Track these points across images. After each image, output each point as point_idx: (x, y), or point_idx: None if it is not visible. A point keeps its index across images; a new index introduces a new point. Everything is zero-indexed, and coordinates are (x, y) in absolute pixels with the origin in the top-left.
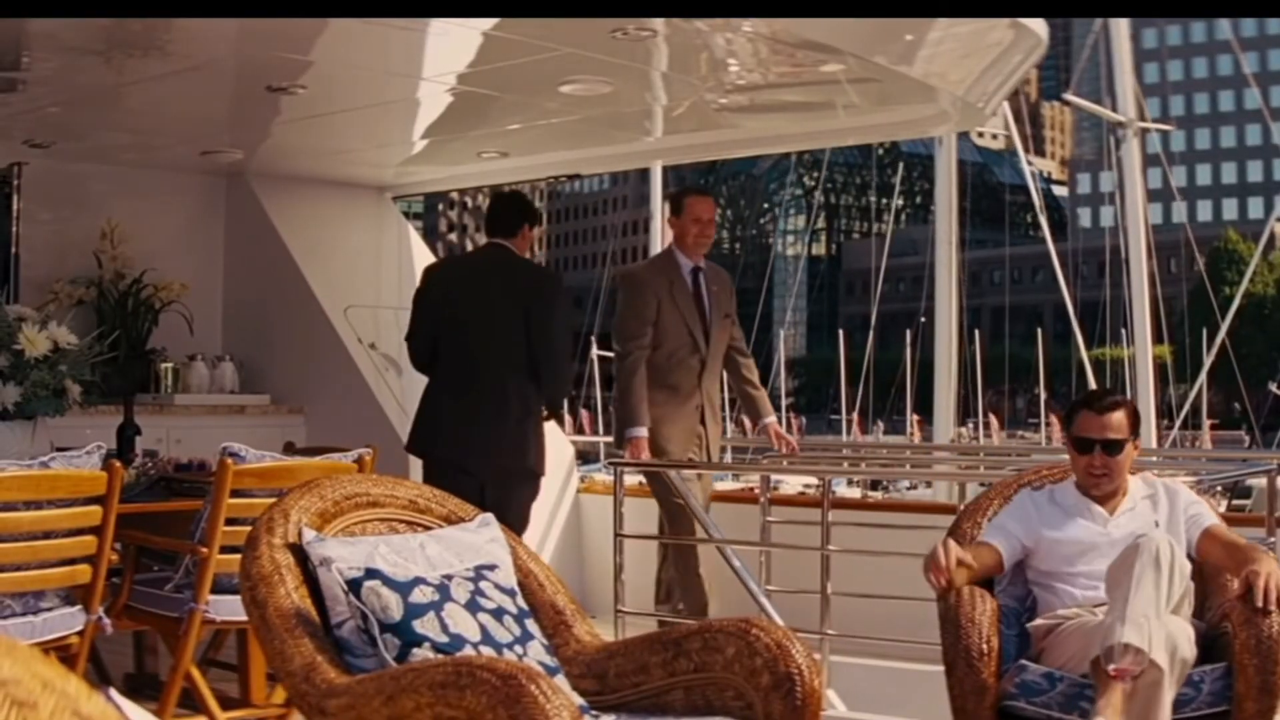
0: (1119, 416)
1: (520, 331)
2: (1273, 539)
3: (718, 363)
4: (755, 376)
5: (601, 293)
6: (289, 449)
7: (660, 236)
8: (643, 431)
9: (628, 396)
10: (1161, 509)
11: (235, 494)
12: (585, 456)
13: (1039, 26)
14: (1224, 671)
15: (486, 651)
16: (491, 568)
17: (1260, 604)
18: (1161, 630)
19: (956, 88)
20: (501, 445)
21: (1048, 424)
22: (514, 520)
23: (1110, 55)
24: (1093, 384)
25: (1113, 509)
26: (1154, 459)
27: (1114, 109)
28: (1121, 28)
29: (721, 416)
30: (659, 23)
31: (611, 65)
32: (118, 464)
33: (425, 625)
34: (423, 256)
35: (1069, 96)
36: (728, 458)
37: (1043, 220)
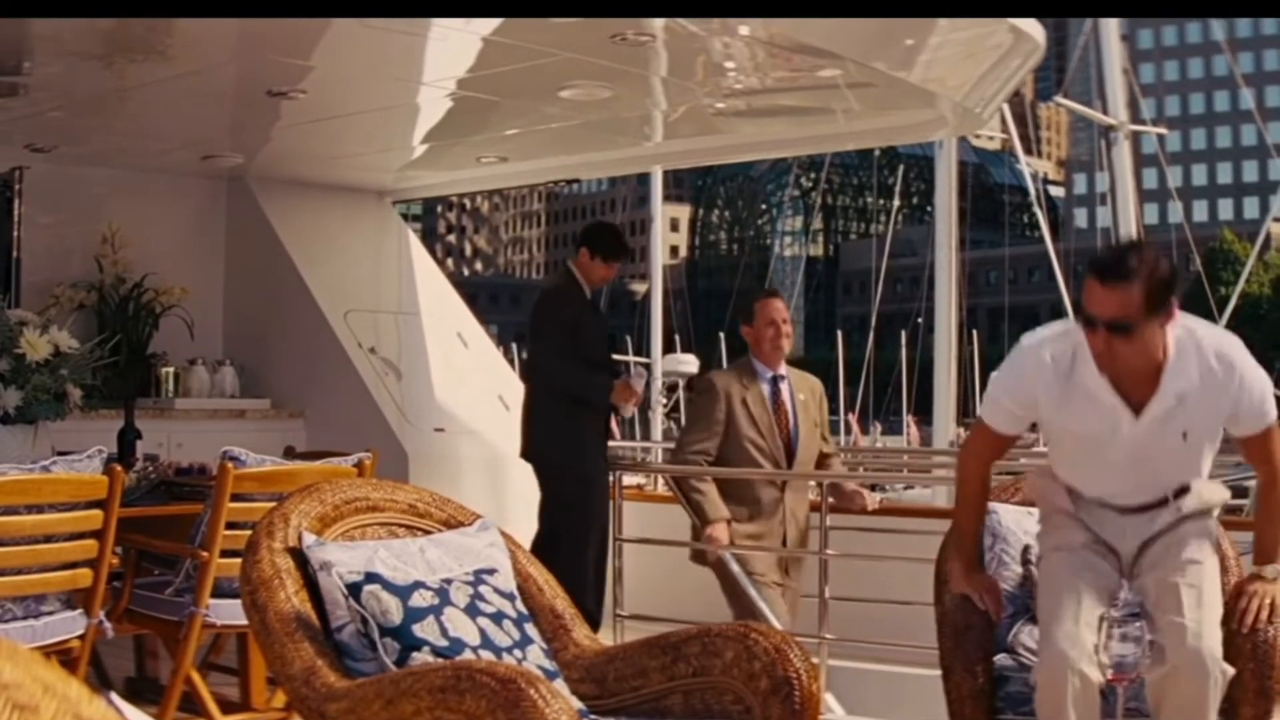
0: (1132, 292)
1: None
2: None
3: (805, 482)
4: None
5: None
6: (289, 453)
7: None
8: (721, 526)
9: (690, 495)
10: (1206, 403)
11: (235, 498)
12: None
13: (1036, 31)
14: None
15: (486, 655)
16: (491, 572)
17: (1238, 625)
18: None
19: (955, 93)
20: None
21: None
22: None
23: (1101, 57)
24: None
25: (1139, 402)
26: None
27: (1105, 111)
28: (1112, 30)
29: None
30: (658, 27)
31: (611, 70)
32: (118, 468)
33: (425, 629)
34: (422, 261)
35: (1060, 99)
36: None
37: (1042, 220)
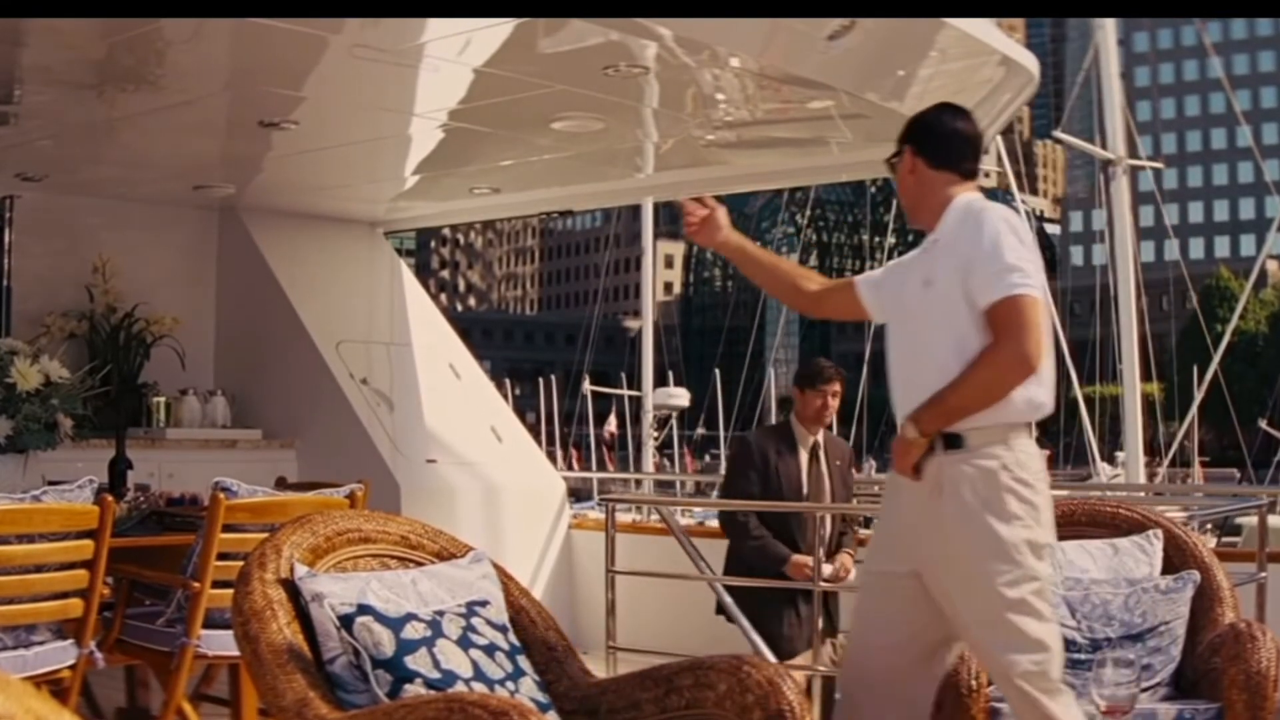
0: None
1: None
2: (1264, 574)
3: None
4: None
5: (594, 330)
6: (281, 484)
7: (651, 273)
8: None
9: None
10: (950, 250)
11: (227, 529)
12: (577, 494)
13: (1030, 63)
14: (1216, 714)
15: (478, 688)
16: (483, 604)
17: None
18: None
19: None
20: None
21: None
22: None
23: (1100, 93)
24: (1085, 421)
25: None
26: (1142, 495)
27: (1104, 147)
28: (1111, 64)
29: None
30: (650, 58)
31: (602, 102)
32: (110, 498)
33: (417, 661)
34: (414, 292)
35: (1058, 134)
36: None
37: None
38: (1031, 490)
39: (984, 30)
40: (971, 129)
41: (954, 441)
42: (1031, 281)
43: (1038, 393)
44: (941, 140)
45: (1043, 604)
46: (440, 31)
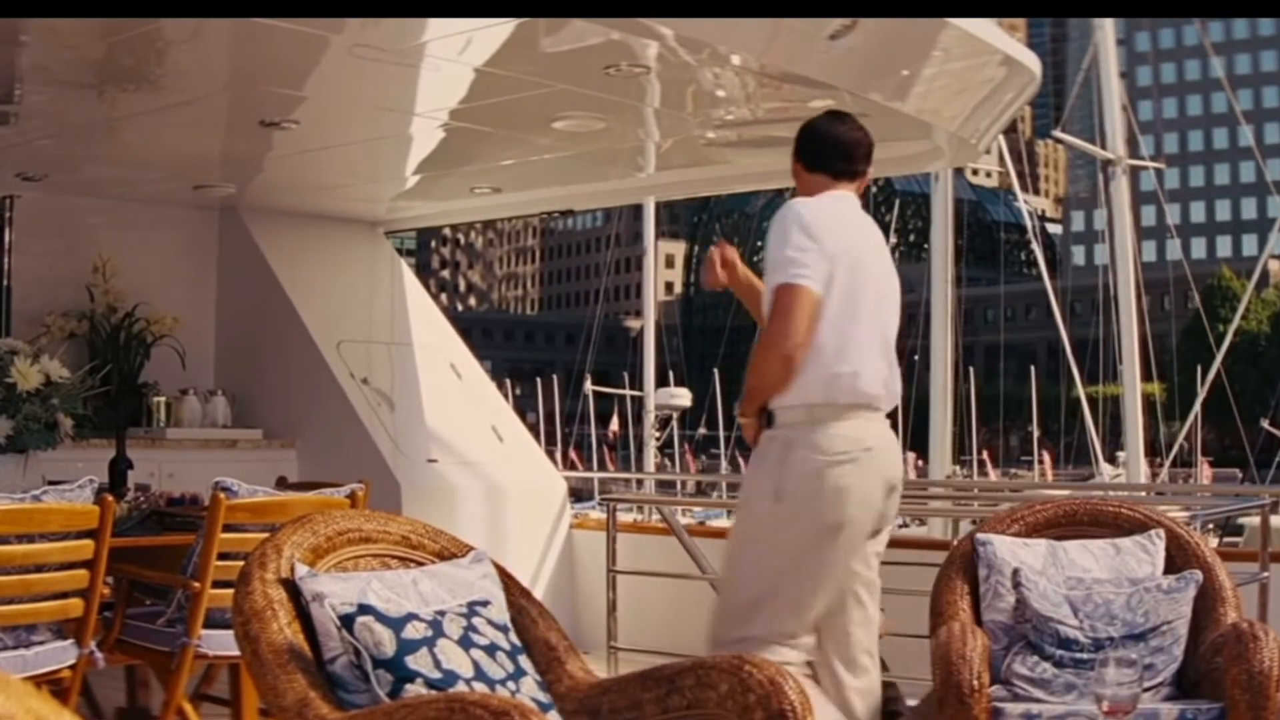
0: None
1: None
2: (1266, 574)
3: None
4: None
5: (595, 330)
6: (281, 484)
7: (652, 273)
8: None
9: None
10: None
11: (228, 529)
12: (578, 494)
13: (1031, 62)
14: (1219, 714)
15: (479, 687)
16: (484, 604)
17: None
18: None
19: (950, 124)
20: None
21: (1041, 461)
22: None
23: (1100, 92)
24: (1089, 421)
25: None
26: (1144, 494)
27: (1104, 147)
28: (1111, 64)
29: None
30: (651, 58)
31: (603, 101)
32: (110, 498)
33: (418, 661)
34: (415, 292)
35: (1058, 134)
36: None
37: (1040, 257)
38: (823, 468)
39: (986, 30)
40: (844, 133)
41: (768, 419)
42: (804, 273)
43: (840, 374)
44: (814, 144)
45: (764, 572)
46: (441, 31)
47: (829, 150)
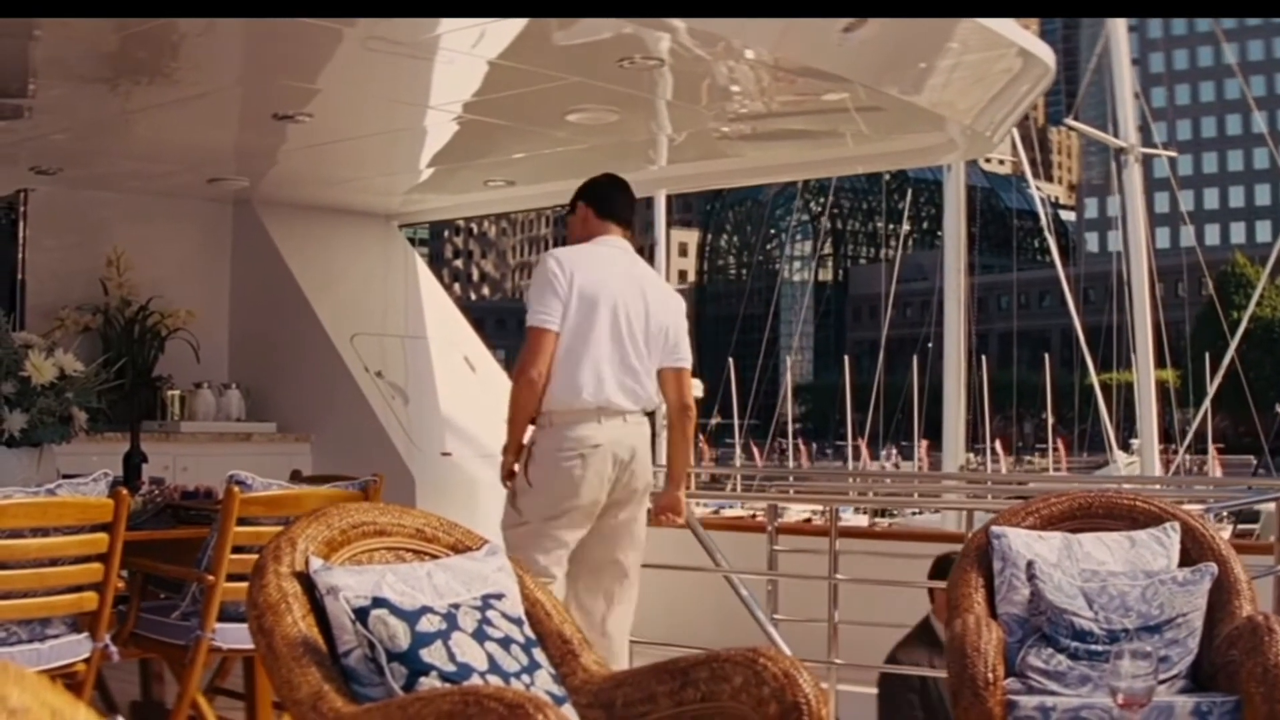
0: None
1: None
2: None
3: None
4: None
5: None
6: (295, 477)
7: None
8: None
9: None
10: None
11: (242, 522)
12: None
13: (1046, 54)
14: (1234, 707)
15: (494, 680)
16: (499, 597)
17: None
18: None
19: (964, 117)
20: None
21: (1055, 449)
22: None
23: (1112, 79)
24: (1102, 409)
25: None
26: (1157, 487)
27: (1116, 134)
28: (1123, 52)
29: None
30: (664, 51)
31: (617, 94)
32: (124, 491)
33: (432, 654)
34: (429, 285)
35: (1070, 122)
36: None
37: (1053, 245)
38: (555, 461)
39: (1001, 22)
40: (625, 189)
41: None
42: (542, 316)
43: (570, 389)
44: (602, 195)
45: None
46: (454, 24)
47: (617, 201)
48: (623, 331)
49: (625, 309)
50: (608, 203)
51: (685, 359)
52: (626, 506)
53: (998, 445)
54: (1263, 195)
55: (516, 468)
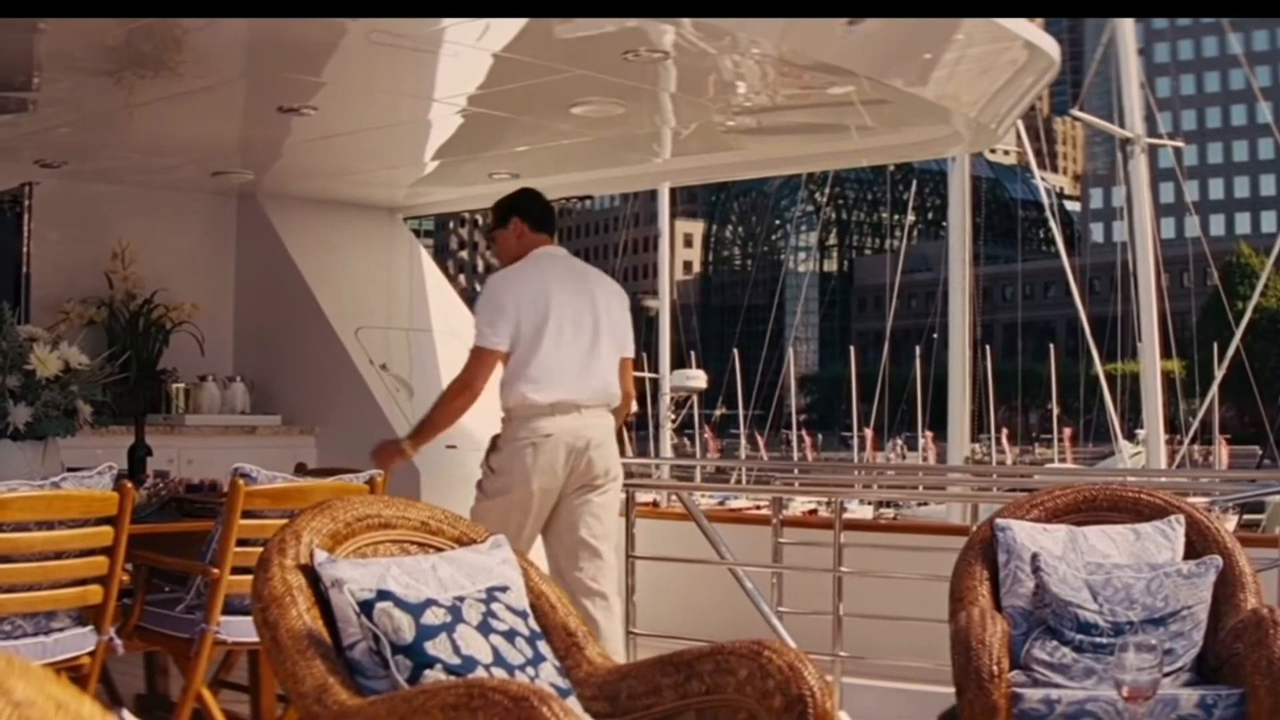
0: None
1: None
2: None
3: None
4: None
5: None
6: (300, 470)
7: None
8: None
9: None
10: None
11: (247, 515)
12: None
13: (1051, 47)
14: (1239, 699)
15: (498, 673)
16: (503, 589)
17: None
18: None
19: (969, 109)
20: None
21: (1060, 439)
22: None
23: (1118, 71)
24: (1108, 399)
25: None
26: (1164, 479)
27: (1122, 124)
28: (1129, 42)
29: None
30: (669, 44)
31: (622, 87)
32: (129, 484)
33: (437, 647)
34: (434, 277)
35: (1076, 112)
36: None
37: (1058, 235)
38: (512, 450)
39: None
40: (546, 201)
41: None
42: (491, 338)
43: (526, 391)
44: (535, 210)
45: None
46: (459, 18)
47: (547, 213)
48: (573, 335)
49: (575, 314)
50: (539, 216)
51: (629, 349)
52: (588, 491)
53: (1003, 436)
54: (1268, 185)
55: (483, 457)
